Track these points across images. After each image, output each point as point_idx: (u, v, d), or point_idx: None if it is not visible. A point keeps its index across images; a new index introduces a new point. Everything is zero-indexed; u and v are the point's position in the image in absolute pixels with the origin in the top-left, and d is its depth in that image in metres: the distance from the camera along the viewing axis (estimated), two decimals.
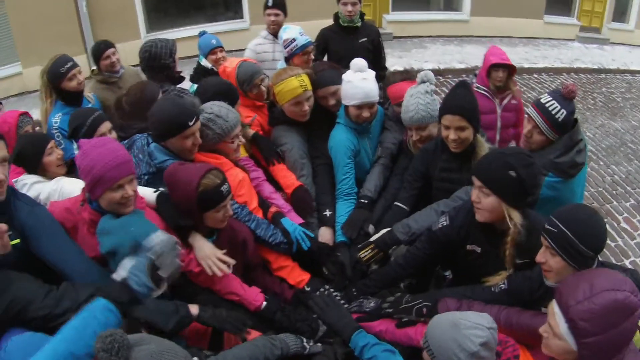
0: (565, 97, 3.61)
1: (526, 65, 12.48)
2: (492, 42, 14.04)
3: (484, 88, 5.30)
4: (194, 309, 2.86)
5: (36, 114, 4.68)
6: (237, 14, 13.42)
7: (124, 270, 2.56)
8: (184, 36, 11.73)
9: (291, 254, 3.72)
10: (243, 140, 3.86)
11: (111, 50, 5.49)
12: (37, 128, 4.52)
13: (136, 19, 12.40)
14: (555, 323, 2.12)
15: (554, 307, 2.16)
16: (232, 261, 3.18)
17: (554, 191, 3.54)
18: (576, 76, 12.89)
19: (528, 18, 14.99)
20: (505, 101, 5.31)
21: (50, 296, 2.55)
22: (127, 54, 5.73)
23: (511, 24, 14.76)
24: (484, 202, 2.90)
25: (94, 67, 5.51)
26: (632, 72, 13.71)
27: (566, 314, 2.07)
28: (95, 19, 11.71)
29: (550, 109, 3.59)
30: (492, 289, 2.94)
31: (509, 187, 2.81)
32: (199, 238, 3.20)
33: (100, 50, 5.47)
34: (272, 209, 3.80)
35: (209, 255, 3.14)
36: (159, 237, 2.63)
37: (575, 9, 16.41)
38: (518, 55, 12.93)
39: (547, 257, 2.52)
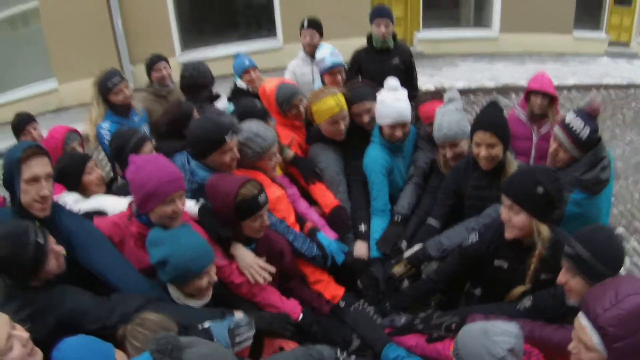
0: (590, 116, 3.67)
1: (556, 83, 11.84)
2: (522, 59, 14.09)
3: (523, 113, 5.19)
4: (239, 313, 2.97)
5: None
6: (271, 32, 13.39)
7: (208, 323, 2.70)
8: (218, 55, 11.92)
9: (326, 268, 3.82)
10: (280, 158, 4.00)
11: (162, 63, 5.74)
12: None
13: (171, 36, 12.50)
14: (587, 337, 2.16)
15: (581, 322, 2.21)
16: (272, 269, 3.30)
17: (579, 208, 3.57)
18: (605, 92, 12.71)
19: (557, 33, 14.84)
20: (543, 129, 5.05)
21: (103, 308, 2.68)
22: None
23: (540, 39, 14.60)
24: (514, 219, 3.00)
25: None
26: None
27: (595, 322, 2.13)
28: (131, 36, 11.86)
29: (573, 128, 3.66)
30: (518, 307, 3.03)
31: (538, 203, 2.91)
32: (240, 247, 3.32)
33: (152, 63, 5.72)
34: (308, 224, 3.93)
35: (251, 264, 3.26)
36: (243, 316, 2.85)
37: (604, 22, 16.21)
38: (548, 73, 12.33)
39: (567, 278, 2.60)
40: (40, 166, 2.77)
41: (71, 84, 11.56)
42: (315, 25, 6.12)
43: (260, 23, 13.83)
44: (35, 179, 2.73)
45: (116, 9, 11.52)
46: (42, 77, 11.92)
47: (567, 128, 3.70)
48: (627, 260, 6.08)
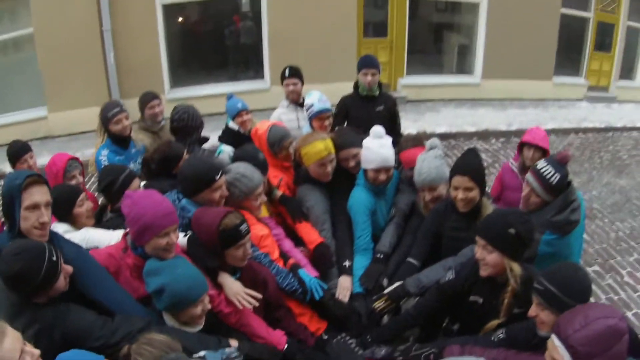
0: (559, 163, 3.85)
1: None
2: (503, 105, 14.16)
3: (516, 164, 5.32)
4: (234, 342, 3.13)
5: None
6: (258, 73, 13.50)
7: (203, 352, 2.80)
8: (206, 93, 12.15)
9: (306, 302, 3.99)
10: (265, 198, 4.16)
11: (156, 101, 5.87)
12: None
13: (161, 73, 12.47)
14: (559, 356, 2.35)
15: (554, 342, 2.40)
16: (259, 295, 3.46)
17: (551, 247, 3.73)
18: (584, 136, 12.88)
19: (538, 80, 14.88)
20: None
21: (106, 327, 2.79)
22: None
23: (521, 86, 14.65)
24: (487, 258, 3.20)
25: None
26: (639, 129, 13.66)
27: (566, 342, 2.32)
28: (122, 71, 11.83)
29: (544, 174, 3.83)
30: (492, 339, 3.17)
31: (510, 243, 3.12)
32: (227, 277, 3.48)
33: (147, 100, 5.85)
34: (291, 261, 4.09)
35: (239, 292, 3.41)
36: (233, 350, 2.93)
37: (584, 68, 16.24)
38: (528, 118, 12.88)
39: (538, 312, 2.79)
40: (40, 194, 2.87)
41: (61, 113, 11.57)
42: (296, 73, 6.34)
43: (248, 64, 13.91)
44: (35, 206, 2.83)
45: (109, 43, 11.54)
46: (32, 104, 11.86)
47: (538, 174, 3.87)
48: (602, 296, 6.27)
